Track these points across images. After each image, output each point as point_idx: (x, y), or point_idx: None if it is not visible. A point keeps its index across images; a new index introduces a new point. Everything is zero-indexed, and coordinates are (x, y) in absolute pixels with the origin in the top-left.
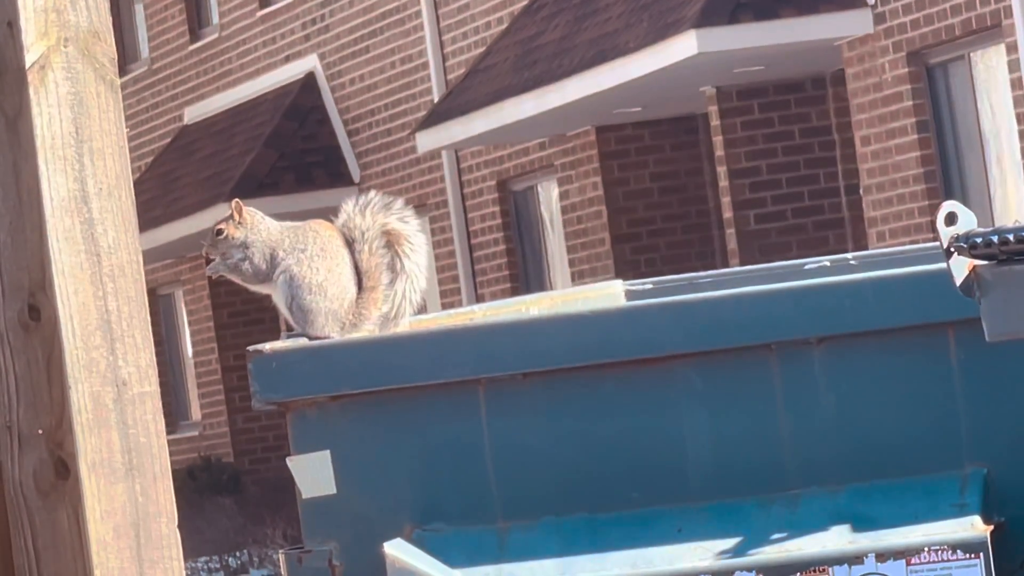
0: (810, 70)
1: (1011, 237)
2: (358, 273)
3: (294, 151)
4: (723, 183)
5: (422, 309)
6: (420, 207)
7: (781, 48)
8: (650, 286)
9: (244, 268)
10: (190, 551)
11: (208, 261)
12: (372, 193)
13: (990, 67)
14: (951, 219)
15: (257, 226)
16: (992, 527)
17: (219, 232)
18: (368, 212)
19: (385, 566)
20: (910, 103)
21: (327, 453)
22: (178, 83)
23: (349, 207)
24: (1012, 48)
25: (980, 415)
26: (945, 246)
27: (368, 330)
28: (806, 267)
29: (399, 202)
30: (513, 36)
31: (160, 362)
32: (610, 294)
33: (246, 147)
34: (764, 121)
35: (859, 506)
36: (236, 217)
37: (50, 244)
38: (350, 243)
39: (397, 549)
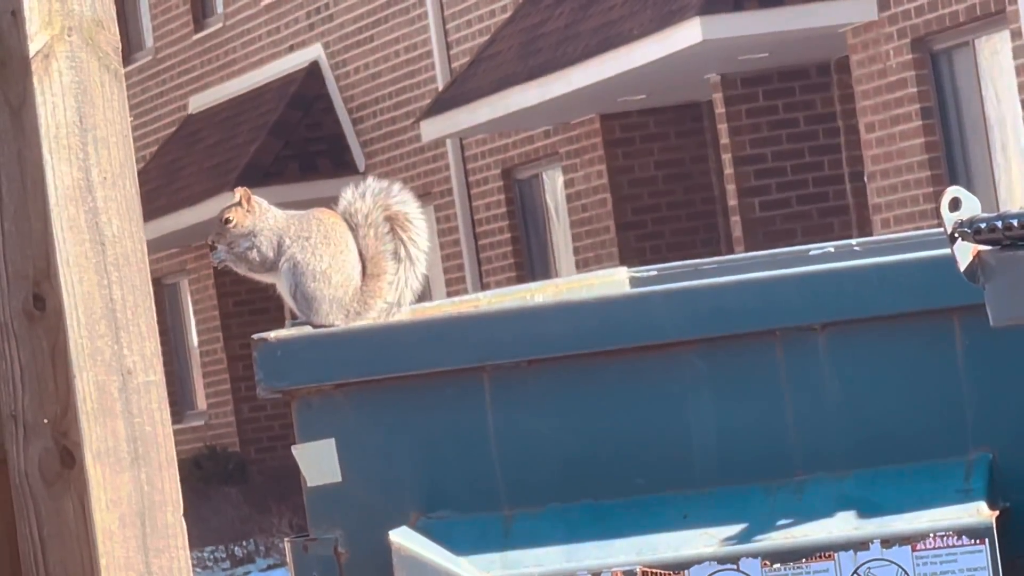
0: (814, 57)
1: (1015, 222)
2: (362, 260)
3: (299, 140)
4: (728, 170)
5: (423, 294)
6: (425, 195)
7: (785, 35)
8: (654, 273)
9: (251, 256)
10: (196, 540)
11: (213, 249)
12: (370, 179)
13: (995, 53)
14: (955, 204)
15: (264, 214)
16: (997, 513)
17: (227, 220)
18: (369, 195)
19: (391, 554)
20: (914, 90)
21: (332, 441)
22: (182, 72)
23: (349, 193)
24: (1016, 34)
25: (985, 400)
26: (949, 232)
27: (373, 318)
28: (810, 253)
29: (396, 185)
30: (517, 24)
31: (165, 351)
32: (614, 281)
33: (251, 136)
34: (769, 108)
35: (864, 492)
36: (245, 205)
37: (54, 233)
38: (353, 229)
39: (402, 537)
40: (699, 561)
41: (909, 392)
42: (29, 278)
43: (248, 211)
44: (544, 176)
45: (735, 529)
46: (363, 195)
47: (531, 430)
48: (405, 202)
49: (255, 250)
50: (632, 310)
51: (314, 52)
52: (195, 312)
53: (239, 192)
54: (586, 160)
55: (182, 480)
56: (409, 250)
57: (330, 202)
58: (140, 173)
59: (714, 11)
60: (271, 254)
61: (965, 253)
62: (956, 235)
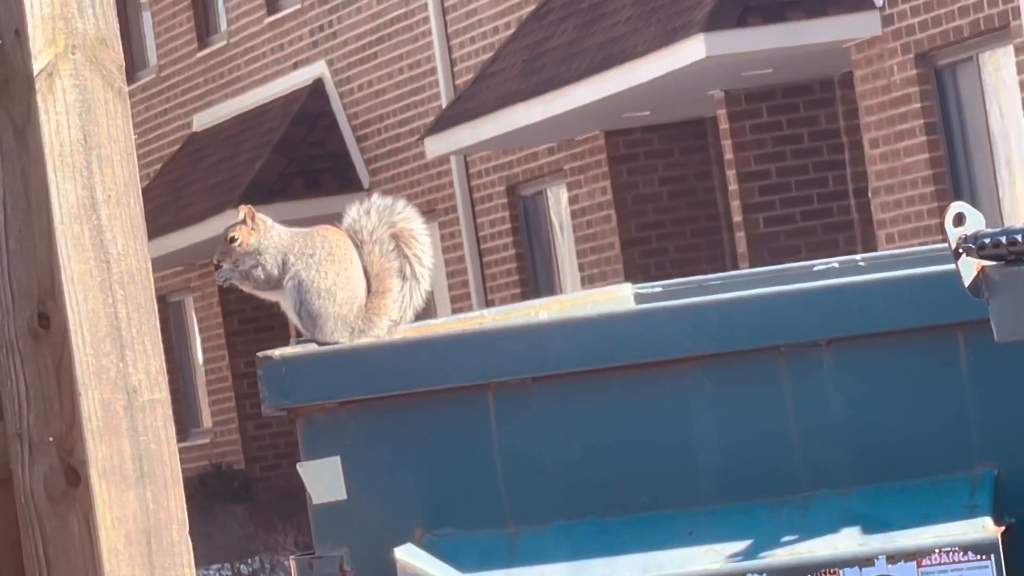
0: (818, 73)
1: (1019, 237)
2: (367, 277)
3: (303, 157)
4: (732, 186)
5: (427, 312)
6: (429, 212)
7: (789, 51)
8: (659, 289)
9: (256, 275)
10: (201, 558)
11: (218, 268)
12: (375, 196)
13: (998, 68)
14: (959, 220)
15: (269, 232)
16: (1003, 528)
17: (232, 239)
18: (374, 212)
19: (396, 571)
20: (919, 105)
21: (337, 459)
22: (186, 90)
23: (354, 210)
24: (1020, 49)
25: (990, 416)
26: (953, 247)
27: (377, 336)
28: (815, 269)
29: (401, 203)
30: (521, 41)
31: (171, 369)
32: (619, 297)
33: (255, 153)
34: (773, 124)
35: (869, 508)
36: (249, 223)
37: (59, 251)
38: (358, 246)
39: (408, 554)
40: None
41: (914, 408)
42: (34, 296)
43: (253, 229)
44: (548, 193)
45: (740, 546)
46: (368, 212)
47: (536, 447)
48: (410, 219)
49: (260, 268)
50: (637, 327)
51: (318, 69)
52: (200, 330)
53: (243, 210)
54: (590, 176)
55: (187, 498)
56: (414, 267)
57: (334, 219)
58: (144, 191)
59: (718, 27)
60: (276, 272)
61: (969, 268)
62: (960, 250)
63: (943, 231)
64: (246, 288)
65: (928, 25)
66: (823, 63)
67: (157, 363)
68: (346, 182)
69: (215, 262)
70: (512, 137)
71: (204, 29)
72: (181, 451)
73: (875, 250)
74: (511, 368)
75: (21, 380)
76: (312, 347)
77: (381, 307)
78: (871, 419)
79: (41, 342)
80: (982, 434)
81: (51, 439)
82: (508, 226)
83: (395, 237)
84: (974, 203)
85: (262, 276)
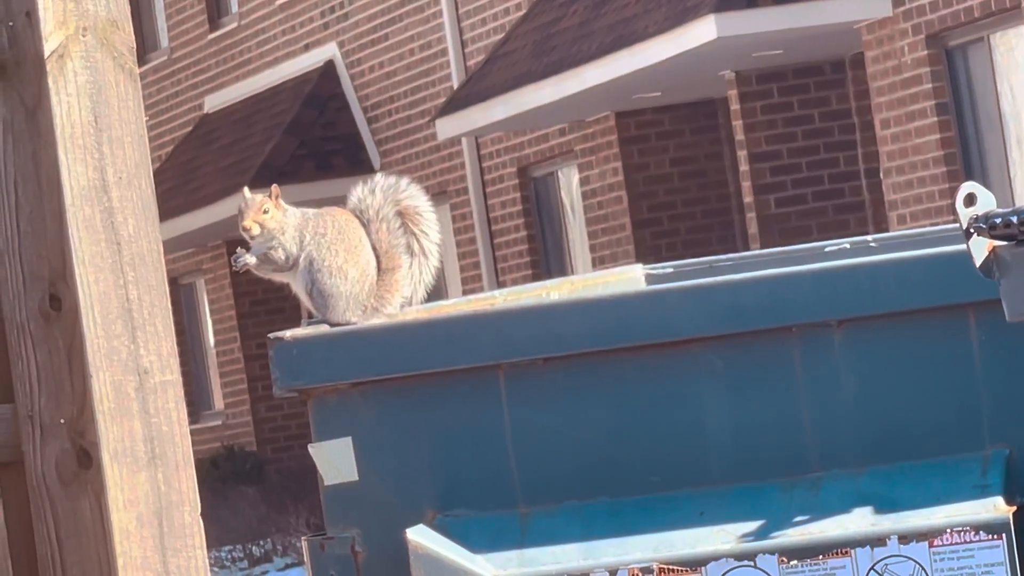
0: (829, 53)
1: None
2: (376, 255)
3: (314, 139)
4: (743, 167)
5: (439, 292)
6: (440, 194)
7: (800, 32)
8: (670, 270)
9: (276, 256)
10: (213, 540)
11: (239, 255)
12: (379, 175)
13: (1010, 49)
14: (970, 200)
15: (287, 212)
16: (1014, 508)
17: (263, 216)
18: (379, 191)
19: (408, 552)
20: (929, 86)
21: (349, 440)
22: (198, 72)
23: (359, 189)
24: None
25: (1001, 396)
26: (964, 227)
27: (390, 315)
28: (826, 250)
29: (405, 180)
30: (532, 22)
31: (182, 351)
32: (630, 278)
33: (266, 135)
34: (784, 105)
35: (881, 488)
36: (275, 203)
37: (70, 233)
38: (365, 225)
39: (419, 535)
40: (716, 558)
41: (925, 388)
42: (45, 278)
43: (278, 209)
44: (560, 174)
45: (752, 526)
46: (373, 191)
47: (547, 428)
48: (414, 196)
49: (281, 249)
50: (648, 307)
51: (329, 51)
52: (212, 312)
53: (272, 190)
54: (601, 158)
55: (199, 480)
56: (422, 243)
57: (345, 201)
58: (155, 173)
59: (728, 8)
60: (295, 250)
61: (980, 248)
62: (971, 230)
63: (954, 211)
64: (262, 272)
65: (939, 6)
66: (834, 44)
67: (168, 345)
68: (357, 164)
69: (246, 231)
70: (523, 118)
71: (215, 11)
72: (193, 433)
73: (886, 231)
74: (522, 349)
75: (32, 362)
76: (323, 328)
77: (392, 284)
78: (882, 399)
79: (52, 324)
80: (993, 414)
81: (62, 421)
82: (519, 207)
83: (401, 215)
84: (985, 183)
85: (282, 257)
